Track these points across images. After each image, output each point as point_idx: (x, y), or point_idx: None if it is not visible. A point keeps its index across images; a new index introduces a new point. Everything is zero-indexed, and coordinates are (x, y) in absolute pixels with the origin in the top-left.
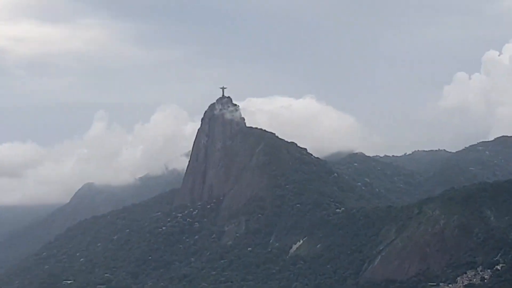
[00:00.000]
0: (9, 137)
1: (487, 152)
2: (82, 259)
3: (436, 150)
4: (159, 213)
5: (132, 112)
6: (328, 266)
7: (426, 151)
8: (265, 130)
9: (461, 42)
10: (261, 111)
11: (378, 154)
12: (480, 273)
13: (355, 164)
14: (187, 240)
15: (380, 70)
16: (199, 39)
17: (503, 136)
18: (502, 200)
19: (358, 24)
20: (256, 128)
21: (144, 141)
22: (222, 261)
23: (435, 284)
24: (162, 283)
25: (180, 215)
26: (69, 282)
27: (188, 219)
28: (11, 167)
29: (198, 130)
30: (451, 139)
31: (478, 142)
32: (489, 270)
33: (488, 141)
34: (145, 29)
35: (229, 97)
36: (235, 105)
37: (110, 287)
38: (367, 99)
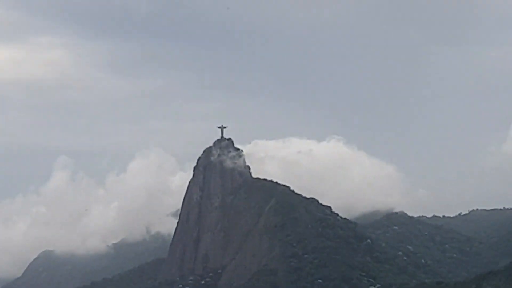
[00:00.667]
0: None
1: None
2: None
3: (500, 209)
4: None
5: (104, 159)
6: None
7: (487, 210)
8: (277, 183)
9: None
10: (272, 157)
11: (424, 215)
12: None
13: (395, 227)
14: None
15: (427, 104)
16: (191, 64)
17: None
18: None
19: (396, 47)
20: (266, 179)
21: (119, 197)
22: None
23: None
24: None
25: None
26: None
27: None
28: None
29: (190, 182)
30: None
31: None
32: None
33: None
34: (121, 52)
35: (230, 139)
36: (238, 149)
37: None
38: (410, 143)
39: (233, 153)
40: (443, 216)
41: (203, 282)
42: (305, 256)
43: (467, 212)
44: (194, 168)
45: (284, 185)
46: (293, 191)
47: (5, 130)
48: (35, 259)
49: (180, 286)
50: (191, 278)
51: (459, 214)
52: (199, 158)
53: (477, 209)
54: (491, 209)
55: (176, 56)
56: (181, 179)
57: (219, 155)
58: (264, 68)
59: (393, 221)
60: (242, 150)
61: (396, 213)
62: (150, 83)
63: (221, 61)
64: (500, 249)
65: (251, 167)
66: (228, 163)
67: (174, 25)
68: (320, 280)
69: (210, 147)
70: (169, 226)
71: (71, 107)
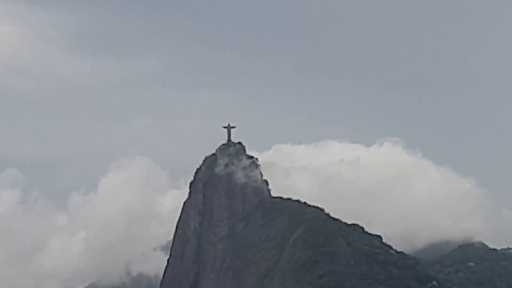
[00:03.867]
0: None
1: None
2: None
3: None
4: None
5: (67, 172)
6: None
7: None
8: (306, 204)
9: None
10: (301, 168)
11: None
12: None
13: (471, 263)
14: None
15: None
16: (188, 41)
17: None
18: None
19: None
20: (291, 199)
21: (87, 225)
22: None
23: None
24: None
25: None
26: None
27: None
28: None
29: (185, 203)
30: None
31: None
32: None
33: None
34: (91, 24)
35: (240, 143)
36: (252, 157)
37: None
38: (493, 150)
39: (246, 162)
40: None
41: None
42: None
43: None
44: (191, 184)
45: (316, 207)
46: (328, 215)
47: None
48: None
49: None
50: None
51: None
52: (198, 170)
53: None
54: None
55: (168, 30)
56: (174, 199)
57: (226, 165)
58: (289, 46)
59: (469, 255)
60: (257, 159)
61: (473, 244)
62: (132, 67)
63: (229, 37)
64: None
65: (270, 182)
66: (239, 177)
67: None
68: None
69: (214, 154)
70: (156, 264)
71: (21, 100)
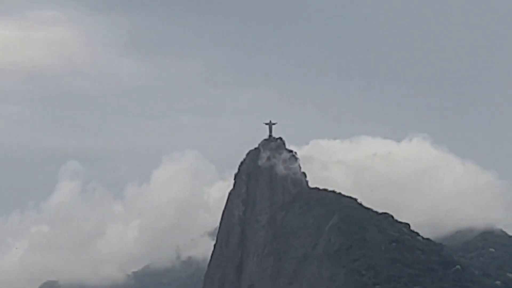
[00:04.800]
0: None
1: None
2: None
3: None
4: None
5: (123, 165)
6: None
7: None
8: (341, 194)
9: None
10: (337, 162)
11: None
12: None
13: (491, 249)
14: None
15: None
16: (231, 43)
17: None
18: None
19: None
20: (327, 190)
21: (141, 213)
22: None
23: None
24: None
25: None
26: None
27: None
28: None
29: (230, 193)
30: None
31: None
32: None
33: None
34: (143, 28)
35: (281, 138)
36: (292, 151)
37: None
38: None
39: (286, 156)
40: None
41: None
42: (377, 286)
43: None
44: (236, 175)
45: (350, 197)
46: (361, 205)
47: (5, 126)
48: None
49: None
50: None
51: None
52: (242, 163)
53: None
54: None
55: (212, 33)
56: (220, 190)
57: (267, 158)
58: (326, 46)
59: (490, 241)
60: (296, 153)
61: (494, 231)
62: (181, 67)
63: (270, 40)
64: None
65: (308, 174)
66: (279, 169)
67: None
68: None
69: (256, 148)
70: (204, 249)
71: (80, 99)
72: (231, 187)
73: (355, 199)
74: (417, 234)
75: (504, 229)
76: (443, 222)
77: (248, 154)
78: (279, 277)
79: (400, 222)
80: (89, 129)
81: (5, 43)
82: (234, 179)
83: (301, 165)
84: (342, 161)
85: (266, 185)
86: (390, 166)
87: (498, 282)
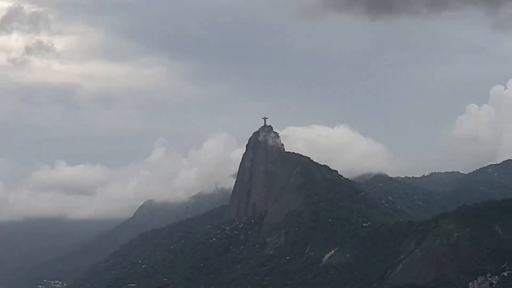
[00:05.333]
0: (82, 160)
1: (495, 174)
2: (143, 266)
3: (450, 172)
4: (210, 226)
5: (188, 139)
6: (356, 273)
7: (442, 173)
8: (301, 155)
9: (472, 78)
10: (300, 138)
11: (400, 176)
12: (489, 279)
13: (380, 184)
14: (234, 250)
15: (403, 103)
16: (244, 75)
17: (509, 160)
18: (509, 216)
19: (383, 62)
20: (294, 153)
21: (197, 164)
22: (264, 268)
23: None
24: (211, 286)
25: (228, 228)
26: (132, 285)
27: (235, 232)
28: (83, 186)
29: (244, 155)
30: (464, 163)
31: (487, 165)
32: (496, 277)
33: (496, 164)
34: (198, 68)
35: (270, 126)
36: (276, 133)
37: None
38: (392, 128)
39: (273, 135)
40: (412, 177)
41: (252, 221)
42: (320, 204)
43: (428, 174)
44: (246, 145)
45: (306, 157)
46: (312, 161)
47: (122, 120)
48: (141, 206)
49: (237, 223)
50: (244, 218)
51: (423, 176)
52: (250, 138)
53: (435, 172)
54: (444, 172)
55: (233, 69)
56: (238, 153)
57: (263, 136)
58: (295, 77)
59: (379, 180)
60: (278, 133)
61: (381, 175)
62: (217, 88)
63: (264, 72)
64: (450, 199)
65: (284, 145)
66: (270, 142)
67: (232, 48)
68: (330, 220)
69: (257, 131)
70: (230, 184)
71: (165, 105)
72: (245, 151)
73: (309, 158)
74: (341, 176)
75: (387, 173)
76: (354, 170)
77: (253, 134)
78: (269, 199)
79: (333, 170)
80: (171, 120)
81: (125, 75)
82: (246, 147)
83: (281, 140)
84: (303, 138)
85: (262, 151)
86: (328, 141)
87: (383, 201)
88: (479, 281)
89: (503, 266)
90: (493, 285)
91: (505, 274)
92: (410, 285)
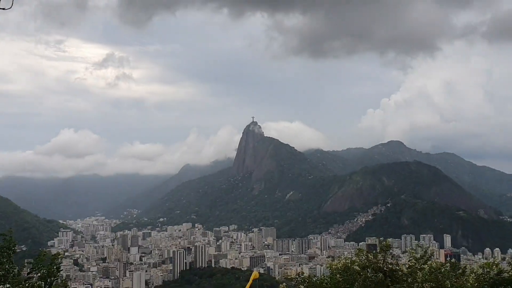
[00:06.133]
0: (149, 141)
1: (383, 148)
2: (184, 201)
3: (358, 148)
4: (222, 178)
5: (209, 129)
6: (304, 205)
7: (353, 148)
8: (274, 138)
9: (370, 94)
10: (273, 129)
11: (329, 149)
12: (380, 207)
13: (318, 155)
14: (235, 191)
15: (331, 108)
16: (241, 92)
17: (391, 141)
18: (391, 172)
19: (319, 85)
20: (270, 137)
21: (214, 143)
22: (252, 202)
23: (357, 213)
24: (223, 213)
25: (232, 179)
26: (177, 212)
27: (236, 182)
28: (149, 155)
29: (241, 138)
30: (366, 142)
31: (379, 143)
32: (384, 206)
33: (383, 143)
34: (214, 88)
35: (256, 121)
36: (259, 125)
37: (199, 215)
38: (325, 122)
39: (257, 127)
40: (337, 150)
41: (246, 175)
42: (285, 166)
43: (346, 148)
44: (242, 132)
45: (277, 139)
46: (280, 141)
47: (172, 118)
48: (182, 167)
49: (237, 177)
50: (241, 174)
51: (343, 150)
52: (244, 128)
53: (350, 148)
54: (355, 147)
55: (236, 89)
56: (238, 137)
57: (252, 127)
58: (272, 94)
59: (318, 152)
60: (261, 126)
61: (319, 149)
62: (228, 100)
63: (253, 92)
64: (358, 163)
65: (264, 132)
66: (256, 131)
67: (234, 75)
68: (290, 175)
69: (249, 124)
70: (233, 155)
71: (196, 109)
72: (241, 136)
73: (278, 140)
74: (297, 150)
75: (322, 148)
76: (304, 146)
77: (246, 126)
78: (255, 163)
79: (291, 146)
80: (206, 116)
81: (172, 93)
82: (242, 134)
83: (262, 130)
84: (275, 129)
85: (251, 136)
86: (289, 130)
87: (320, 164)
88: (374, 209)
89: (387, 200)
90: (382, 211)
91: (389, 205)
92: (335, 211)
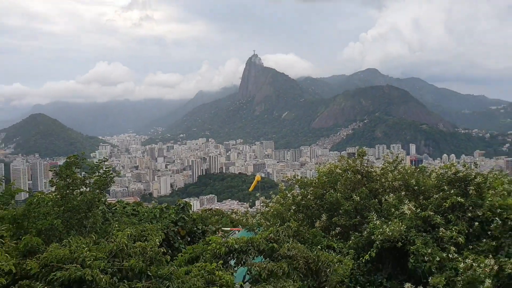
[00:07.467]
0: (172, 70)
1: (361, 75)
2: (199, 120)
3: (341, 75)
4: (229, 102)
5: (218, 63)
6: (296, 123)
7: (337, 75)
8: (271, 68)
9: (350, 28)
10: (271, 60)
11: (318, 77)
12: (358, 123)
13: (308, 81)
14: (240, 112)
15: (320, 39)
16: (245, 30)
17: (368, 68)
18: (367, 94)
19: (307, 19)
20: (268, 67)
21: (224, 74)
22: (254, 121)
23: (339, 128)
24: (231, 129)
25: (238, 102)
26: (194, 129)
27: (241, 104)
28: (171, 83)
29: (244, 68)
30: (345, 69)
31: (358, 71)
32: (361, 123)
33: (362, 70)
34: (224, 25)
35: (257, 54)
36: (260, 57)
37: (212, 131)
38: (315, 54)
39: (258, 58)
40: (324, 77)
41: (249, 99)
42: (281, 91)
43: (331, 75)
44: (246, 63)
45: (274, 69)
46: (277, 71)
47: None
48: (197, 92)
49: (242, 100)
50: (245, 98)
51: (329, 76)
52: (247, 60)
53: (335, 75)
54: (339, 75)
55: (249, 32)
56: (242, 67)
57: (253, 59)
58: (273, 31)
59: (309, 79)
60: (261, 58)
61: (309, 76)
62: (235, 37)
63: (257, 31)
64: (341, 87)
65: (264, 63)
66: (256, 62)
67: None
68: (285, 98)
69: (251, 57)
70: (239, 82)
71: (213, 47)
72: (245, 66)
73: (275, 69)
74: (290, 77)
75: (312, 76)
76: (297, 74)
77: (249, 58)
78: (256, 89)
79: (286, 74)
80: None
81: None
82: (245, 64)
83: (262, 61)
84: (272, 60)
85: (253, 66)
86: (285, 61)
87: (310, 89)
88: (353, 125)
89: (364, 117)
90: (360, 126)
91: (365, 121)
92: (322, 127)
